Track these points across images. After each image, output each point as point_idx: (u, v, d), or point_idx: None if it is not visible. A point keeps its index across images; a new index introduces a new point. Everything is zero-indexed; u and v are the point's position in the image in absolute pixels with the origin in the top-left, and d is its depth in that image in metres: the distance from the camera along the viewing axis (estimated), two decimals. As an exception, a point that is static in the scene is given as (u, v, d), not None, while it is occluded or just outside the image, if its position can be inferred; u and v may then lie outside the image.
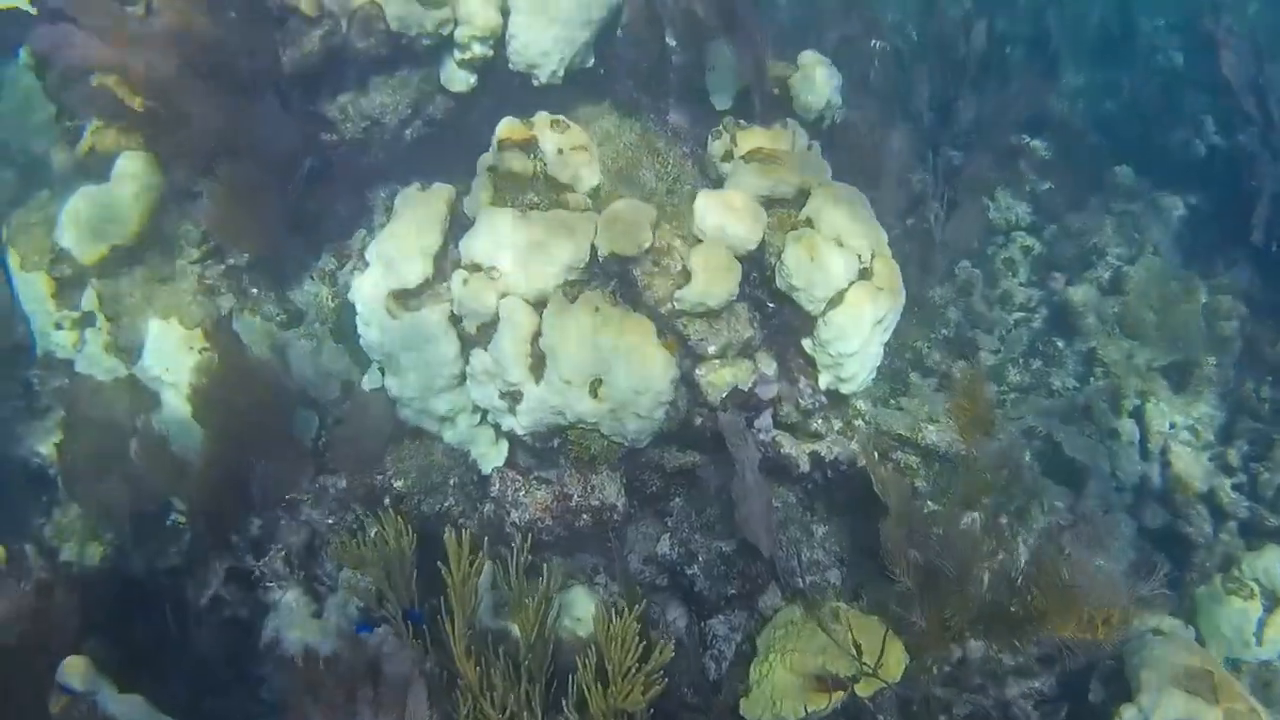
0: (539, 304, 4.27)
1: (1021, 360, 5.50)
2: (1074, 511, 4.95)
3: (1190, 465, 5.10)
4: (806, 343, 4.50)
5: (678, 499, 4.59)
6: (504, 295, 4.27)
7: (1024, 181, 6.12)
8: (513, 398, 4.31)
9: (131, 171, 4.76)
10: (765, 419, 4.52)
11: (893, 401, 4.94)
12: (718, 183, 4.90)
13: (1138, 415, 5.33)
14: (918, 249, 5.30)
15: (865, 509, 4.53)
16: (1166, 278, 5.57)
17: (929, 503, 4.55)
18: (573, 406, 4.17)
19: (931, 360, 5.27)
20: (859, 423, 4.75)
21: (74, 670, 3.65)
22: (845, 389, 4.58)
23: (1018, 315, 5.68)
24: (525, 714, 3.76)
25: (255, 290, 4.91)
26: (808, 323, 4.45)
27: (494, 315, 4.27)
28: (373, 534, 4.23)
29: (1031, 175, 6.13)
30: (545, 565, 4.37)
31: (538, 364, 4.23)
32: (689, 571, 4.45)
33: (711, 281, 4.22)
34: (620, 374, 4.11)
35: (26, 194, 5.38)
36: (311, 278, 5.04)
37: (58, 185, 5.00)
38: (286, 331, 4.91)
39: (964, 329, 5.57)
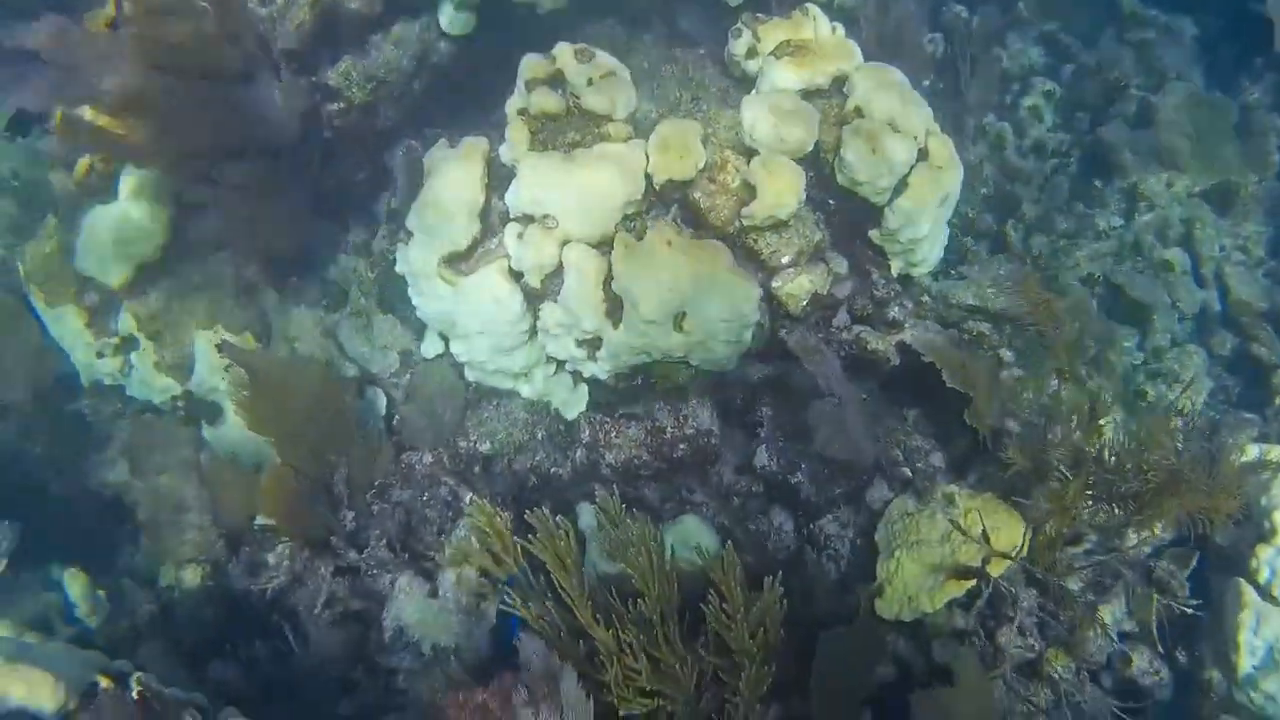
0: (602, 245, 3.93)
1: (1065, 206, 5.22)
2: (1144, 349, 4.76)
3: (1247, 285, 4.90)
4: (874, 233, 4.22)
5: (765, 409, 4.34)
6: (565, 243, 3.91)
7: (1029, 24, 5.74)
8: (591, 345, 4.02)
9: (140, 186, 4.34)
10: (843, 316, 4.26)
11: (953, 271, 4.66)
12: (744, 83, 4.52)
13: (1186, 243, 5.10)
14: (946, 112, 4.94)
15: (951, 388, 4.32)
16: (1195, 102, 5.27)
17: (1016, 370, 4.32)
18: (658, 344, 3.89)
19: (983, 224, 4.99)
20: (925, 299, 4.49)
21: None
22: (917, 272, 4.34)
23: (1053, 162, 5.38)
24: (673, 662, 3.54)
25: (295, 278, 4.50)
26: (874, 214, 4.15)
27: (557, 265, 3.94)
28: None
29: (1036, 16, 5.73)
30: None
31: (614, 307, 3.92)
32: (793, 480, 4.23)
33: (779, 192, 3.90)
34: (704, 303, 3.82)
35: (29, 221, 4.91)
36: (345, 252, 4.65)
37: (63, 210, 4.54)
38: (334, 314, 4.53)
39: (1002, 184, 5.27)
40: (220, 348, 3.96)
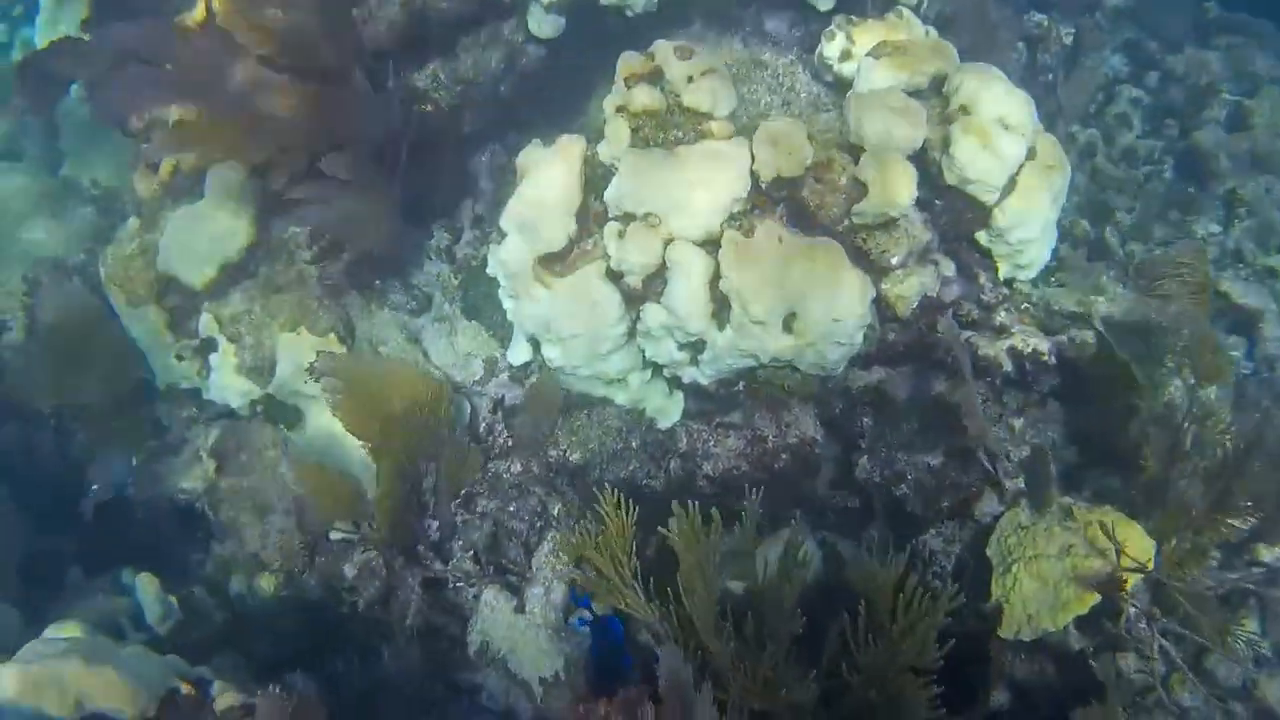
0: (707, 244, 3.65)
1: (1160, 213, 4.92)
2: (1253, 359, 4.44)
3: (1355, 292, 4.59)
4: (981, 235, 3.93)
5: (865, 419, 4.03)
6: (669, 241, 3.64)
7: (1109, 32, 5.47)
8: (694, 348, 3.75)
9: (226, 186, 4.13)
10: (948, 321, 3.93)
11: (1053, 279, 4.36)
12: (836, 87, 4.29)
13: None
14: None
15: (1065, 396, 4.02)
16: (1292, 104, 4.98)
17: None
18: (766, 347, 3.61)
19: (1080, 229, 4.70)
20: (1026, 306, 4.18)
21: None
22: (1024, 275, 4.05)
23: (1145, 169, 5.09)
24: (796, 684, 3.22)
25: (379, 282, 4.25)
26: (982, 214, 3.87)
27: (660, 265, 3.66)
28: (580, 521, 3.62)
29: (1113, 25, 5.46)
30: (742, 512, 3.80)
31: (720, 309, 3.64)
32: (898, 492, 3.92)
33: (891, 188, 3.63)
34: (817, 305, 3.54)
35: (108, 227, 4.69)
36: (429, 257, 4.41)
37: (145, 213, 4.31)
38: (418, 319, 4.26)
39: (1094, 193, 4.99)
40: (319, 354, 3.68)
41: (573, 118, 4.52)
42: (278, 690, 2.74)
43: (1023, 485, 3.90)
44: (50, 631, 3.44)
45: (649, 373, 3.94)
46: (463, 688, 3.79)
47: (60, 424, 4.40)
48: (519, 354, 4.11)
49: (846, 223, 3.71)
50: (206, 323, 4.20)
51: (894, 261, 3.76)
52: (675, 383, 3.99)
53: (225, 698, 2.93)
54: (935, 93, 4.04)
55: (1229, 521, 3.53)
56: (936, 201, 3.90)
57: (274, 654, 3.99)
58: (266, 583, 4.14)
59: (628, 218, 3.73)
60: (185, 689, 2.94)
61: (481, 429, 4.09)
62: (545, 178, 3.83)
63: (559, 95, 4.47)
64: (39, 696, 2.70)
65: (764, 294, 3.53)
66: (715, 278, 3.63)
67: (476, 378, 4.22)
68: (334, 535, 4.09)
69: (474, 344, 4.24)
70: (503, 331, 4.19)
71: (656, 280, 3.71)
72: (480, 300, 4.19)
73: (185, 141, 3.83)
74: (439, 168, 4.39)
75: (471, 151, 4.50)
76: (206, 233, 4.11)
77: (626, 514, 3.60)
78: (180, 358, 4.26)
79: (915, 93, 4.01)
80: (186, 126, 3.81)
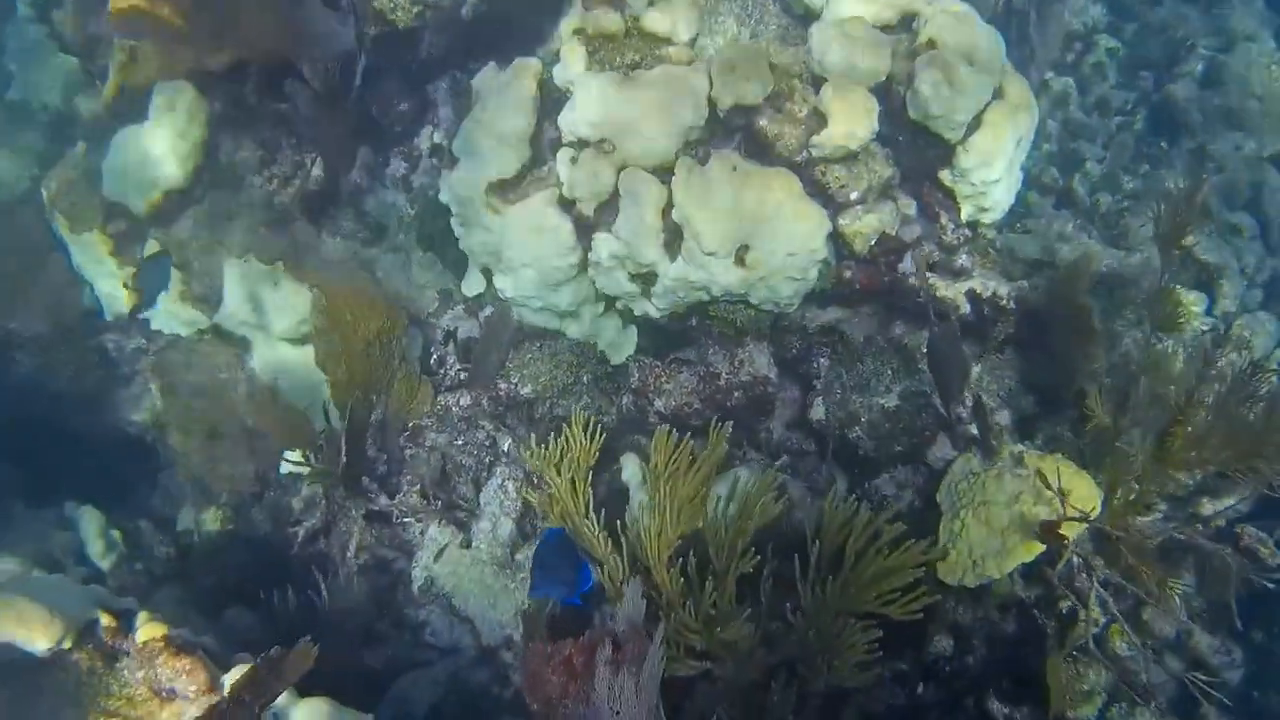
0: (661, 172, 3.52)
1: (1130, 165, 4.80)
2: (1212, 315, 4.34)
3: (1321, 250, 4.49)
4: (945, 174, 3.81)
5: (821, 359, 3.92)
6: (622, 168, 3.51)
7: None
8: (645, 279, 3.62)
9: (172, 104, 3.95)
10: (908, 262, 3.84)
11: (1017, 225, 4.25)
12: (806, 19, 4.11)
13: (1254, 208, 4.68)
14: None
15: (1022, 343, 3.92)
16: (1266, 62, 4.84)
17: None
18: (718, 280, 3.48)
19: (1049, 177, 4.58)
20: (990, 252, 4.07)
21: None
22: (987, 219, 3.93)
23: (1118, 120, 4.96)
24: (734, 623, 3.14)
25: (330, 209, 4.10)
26: (946, 153, 3.75)
27: (612, 192, 3.53)
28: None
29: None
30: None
31: (671, 238, 3.51)
32: (852, 435, 3.81)
33: (851, 121, 3.51)
34: (770, 237, 3.42)
35: (57, 153, 4.51)
36: (384, 185, 4.24)
37: (91, 136, 4.14)
38: (371, 248, 4.12)
39: (1065, 141, 4.85)
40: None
41: (538, 42, 4.36)
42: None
43: (976, 431, 3.81)
44: (-21, 564, 3.34)
45: (601, 306, 3.82)
46: (407, 623, 3.68)
47: (4, 353, 4.23)
48: (472, 285, 3.98)
49: (805, 155, 3.57)
50: (151, 250, 4.05)
51: (853, 197, 3.63)
52: (629, 317, 3.86)
53: (147, 629, 2.80)
54: (905, 30, 3.91)
55: (1174, 475, 3.43)
56: (899, 138, 3.78)
57: (217, 587, 3.87)
58: (214, 517, 4.02)
59: (581, 144, 3.59)
60: (106, 620, 2.81)
61: (433, 361, 3.96)
62: (498, 102, 3.68)
63: (522, 18, 4.30)
64: None
65: (716, 224, 3.40)
66: (668, 206, 3.50)
67: (431, 309, 4.08)
68: (284, 467, 3.98)
69: (429, 275, 4.10)
70: (457, 264, 4.05)
71: (609, 209, 3.58)
72: (437, 232, 4.04)
73: (143, 25, 3.65)
74: (394, 93, 4.23)
75: (431, 76, 4.32)
76: (151, 156, 3.94)
77: (591, 440, 3.51)
78: (127, 285, 4.11)
79: (884, 28, 3.87)
80: (141, 20, 3.65)
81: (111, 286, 4.14)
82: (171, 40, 3.70)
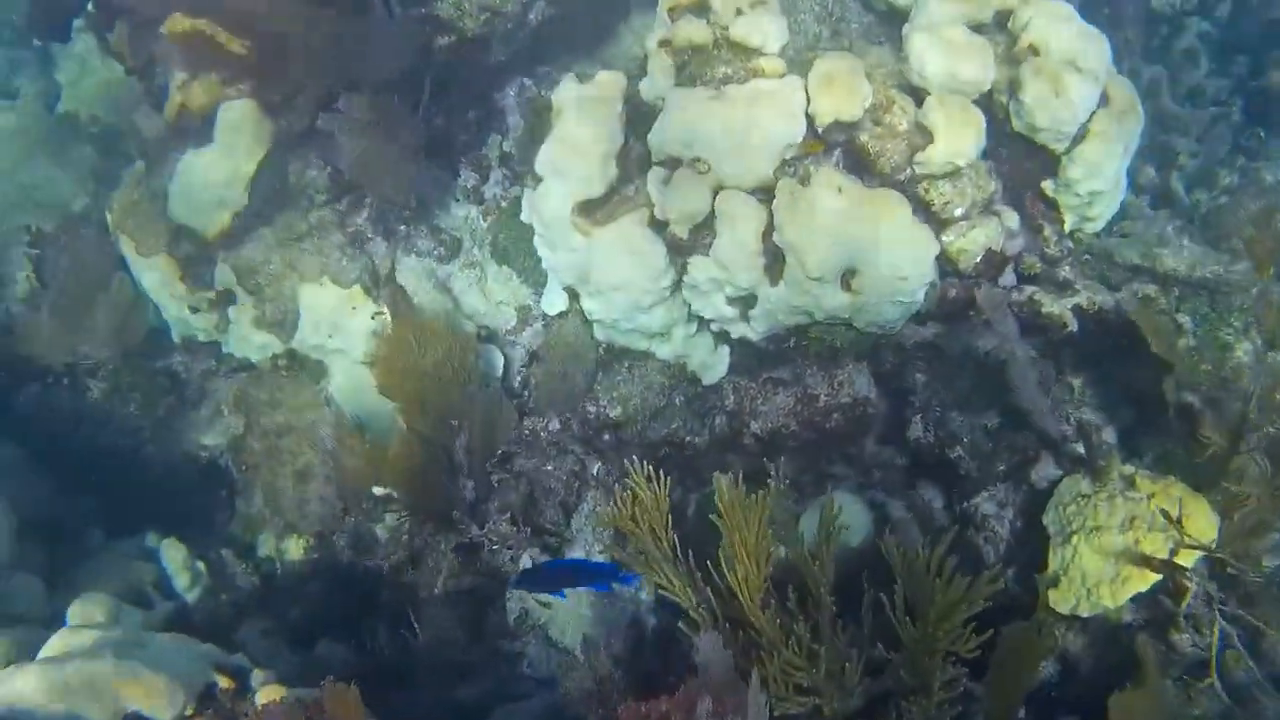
0: (759, 192, 3.41)
1: (1227, 159, 4.63)
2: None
3: None
4: (1048, 185, 3.69)
5: (918, 375, 3.83)
6: (717, 189, 3.39)
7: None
8: (744, 303, 3.54)
9: (238, 124, 3.86)
10: (1009, 276, 3.72)
11: (1115, 228, 4.11)
12: (890, 17, 3.97)
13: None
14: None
15: (1122, 355, 3.80)
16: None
17: (1190, 337, 3.78)
18: (822, 304, 3.40)
19: (1144, 175, 4.43)
20: (1087, 258, 3.94)
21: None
22: (1091, 228, 3.84)
23: (1212, 110, 4.78)
24: (835, 656, 3.07)
25: (403, 228, 4.00)
26: (1050, 163, 3.62)
27: (708, 214, 3.41)
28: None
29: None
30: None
31: (772, 261, 3.41)
32: (952, 454, 3.74)
33: (959, 139, 3.41)
34: (878, 261, 3.34)
35: (112, 167, 4.42)
36: (456, 199, 4.13)
37: (151, 154, 4.04)
38: (446, 265, 4.02)
39: (1155, 133, 4.68)
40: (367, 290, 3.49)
41: (605, 48, 4.23)
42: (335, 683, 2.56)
43: (1082, 450, 3.72)
44: (77, 606, 3.32)
45: (694, 326, 3.75)
46: (502, 654, 3.64)
47: (74, 381, 4.17)
48: (554, 303, 3.90)
49: (909, 172, 3.45)
50: (223, 273, 3.97)
51: (957, 214, 3.53)
52: (721, 337, 3.78)
53: (267, 691, 2.77)
54: (999, 28, 3.75)
55: None
56: (1001, 149, 3.65)
57: (304, 620, 3.85)
58: (296, 546, 3.99)
59: (673, 163, 3.48)
60: (223, 683, 2.78)
61: (516, 383, 3.88)
62: (584, 118, 3.58)
63: (588, 23, 4.17)
64: (74, 702, 2.54)
65: (821, 248, 3.31)
66: (768, 229, 3.38)
67: (509, 326, 4.01)
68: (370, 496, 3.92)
69: (506, 291, 4.02)
70: (536, 277, 3.98)
71: (704, 231, 3.48)
72: (511, 244, 3.96)
73: (201, 63, 3.56)
74: (464, 103, 4.11)
75: (499, 84, 4.20)
76: (217, 178, 3.85)
77: (660, 486, 3.43)
78: (195, 310, 4.03)
79: (978, 28, 3.72)
80: (202, 47, 3.55)
81: (180, 310, 4.06)
82: (232, 69, 3.59)
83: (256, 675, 2.89)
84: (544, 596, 3.60)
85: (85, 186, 4.51)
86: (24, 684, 2.59)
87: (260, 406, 3.96)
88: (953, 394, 3.82)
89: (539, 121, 4.01)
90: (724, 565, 3.34)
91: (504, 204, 4.09)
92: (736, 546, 3.28)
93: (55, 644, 3.03)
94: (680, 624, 3.22)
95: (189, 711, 2.71)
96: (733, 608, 3.30)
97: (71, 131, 4.72)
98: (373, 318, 3.74)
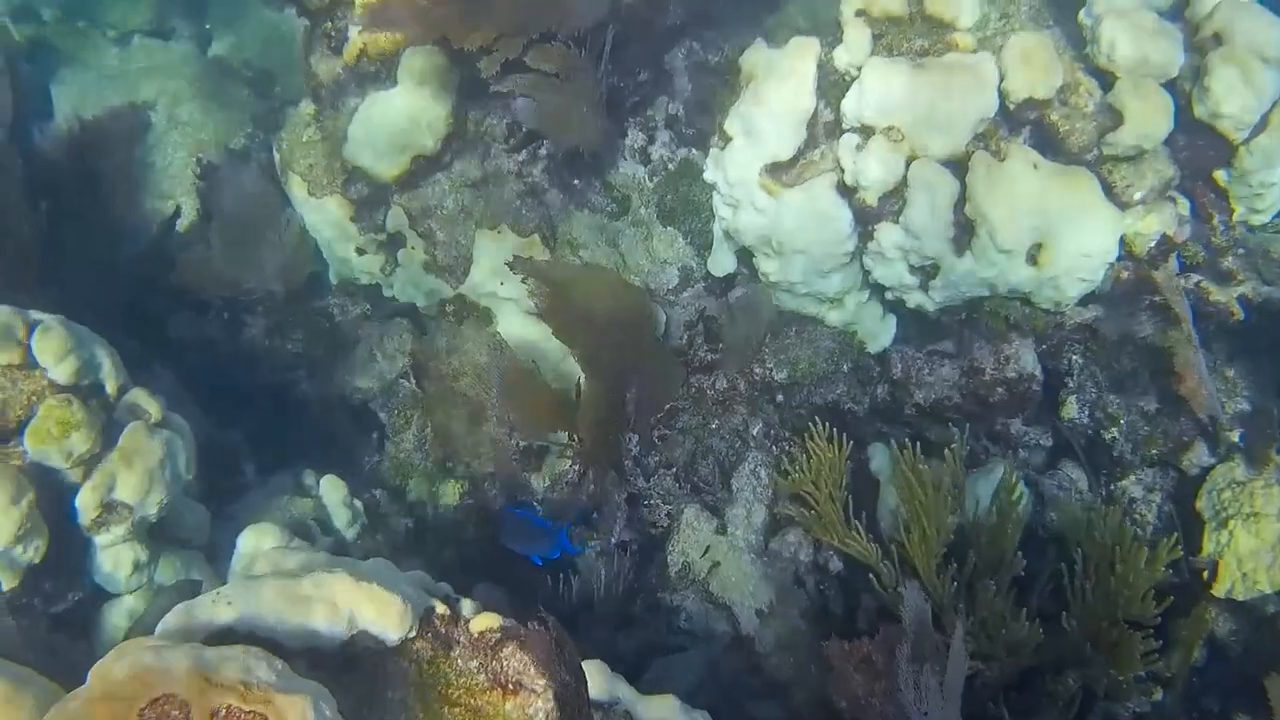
0: (950, 163, 3.52)
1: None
2: None
3: None
4: (1220, 174, 3.80)
5: (1074, 356, 3.95)
6: (911, 158, 3.49)
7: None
8: (925, 272, 3.64)
9: (424, 70, 3.98)
10: (1175, 263, 3.82)
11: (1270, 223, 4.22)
12: (1058, 1, 4.04)
13: None
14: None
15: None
16: None
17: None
18: (1007, 277, 3.54)
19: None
20: (1242, 250, 4.04)
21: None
22: (1258, 220, 3.98)
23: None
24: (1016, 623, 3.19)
25: (577, 181, 4.09)
26: (1226, 152, 3.74)
27: (899, 182, 3.52)
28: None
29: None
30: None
31: (959, 233, 3.52)
32: (1107, 436, 3.86)
33: (1149, 121, 3.57)
34: (1068, 237, 3.50)
35: (267, 111, 4.49)
36: (624, 157, 4.21)
37: (326, 95, 4.12)
38: (616, 222, 4.11)
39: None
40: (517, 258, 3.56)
41: (768, 16, 4.31)
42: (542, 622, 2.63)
43: (1237, 439, 3.83)
44: (250, 534, 3.39)
45: (866, 294, 3.86)
46: (661, 608, 3.74)
47: (233, 315, 4.26)
48: (722, 264, 4.03)
49: (1095, 153, 3.57)
50: (395, 216, 4.06)
51: (1136, 197, 3.66)
52: (889, 306, 3.88)
53: (481, 619, 2.82)
54: (1176, 15, 3.85)
55: None
56: (1179, 136, 3.76)
57: (458, 563, 3.95)
58: (451, 490, 4.08)
59: (866, 130, 3.59)
60: (441, 608, 2.84)
61: (682, 341, 3.98)
62: (778, 82, 3.72)
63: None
64: (309, 614, 2.55)
65: (1015, 221, 3.46)
66: (960, 199, 3.49)
67: (671, 286, 4.12)
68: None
69: (670, 251, 4.14)
70: (700, 239, 4.11)
71: (893, 198, 3.59)
72: (680, 206, 4.06)
73: (395, 20, 3.63)
74: (636, 62, 4.20)
75: (669, 46, 4.29)
76: (400, 121, 3.97)
77: (840, 448, 3.55)
78: (362, 251, 4.12)
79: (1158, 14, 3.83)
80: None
81: (346, 251, 4.15)
82: (423, 22, 3.66)
83: (467, 604, 2.96)
84: (711, 549, 3.72)
85: (242, 127, 4.59)
86: (263, 593, 2.66)
87: (434, 349, 4.06)
88: (1109, 376, 3.95)
89: (715, 83, 4.11)
90: (900, 529, 3.48)
91: (671, 166, 4.20)
92: (916, 510, 3.40)
93: (260, 562, 3.11)
94: (872, 578, 3.33)
95: (413, 634, 2.78)
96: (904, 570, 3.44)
97: (225, 74, 4.79)
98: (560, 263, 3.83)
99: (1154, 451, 3.91)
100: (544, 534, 3.64)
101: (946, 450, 3.63)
